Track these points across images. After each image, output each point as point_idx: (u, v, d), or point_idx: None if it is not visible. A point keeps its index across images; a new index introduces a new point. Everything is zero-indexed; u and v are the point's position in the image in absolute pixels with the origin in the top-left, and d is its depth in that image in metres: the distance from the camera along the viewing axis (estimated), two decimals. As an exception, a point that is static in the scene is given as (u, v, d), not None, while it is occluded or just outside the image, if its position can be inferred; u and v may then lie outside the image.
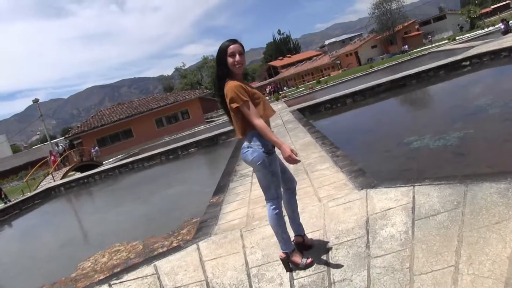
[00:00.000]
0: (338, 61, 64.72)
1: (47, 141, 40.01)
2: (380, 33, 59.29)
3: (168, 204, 8.91)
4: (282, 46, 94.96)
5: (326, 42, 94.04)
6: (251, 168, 3.24)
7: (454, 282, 2.26)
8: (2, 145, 61.98)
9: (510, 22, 28.83)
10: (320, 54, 79.84)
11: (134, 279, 3.68)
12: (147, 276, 3.67)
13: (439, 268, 2.41)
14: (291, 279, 2.89)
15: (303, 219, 3.40)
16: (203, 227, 4.58)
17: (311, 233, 3.39)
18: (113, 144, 35.29)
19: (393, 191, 3.66)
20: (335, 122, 13.64)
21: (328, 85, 33.27)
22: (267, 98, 29.16)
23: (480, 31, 42.02)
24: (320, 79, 50.91)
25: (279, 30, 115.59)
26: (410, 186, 3.61)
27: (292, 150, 2.68)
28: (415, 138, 6.86)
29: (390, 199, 3.52)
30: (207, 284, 3.22)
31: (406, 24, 59.32)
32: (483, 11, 71.77)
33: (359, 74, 34.22)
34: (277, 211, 2.90)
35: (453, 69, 14.35)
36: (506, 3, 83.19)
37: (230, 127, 16.49)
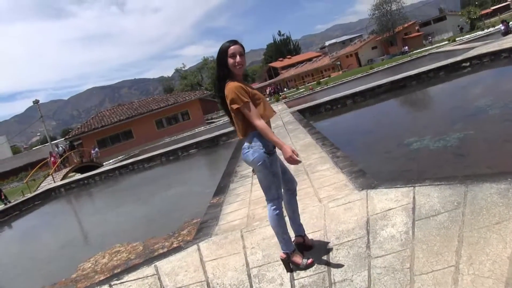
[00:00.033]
0: (338, 62, 64.76)
1: (47, 142, 40.03)
2: (380, 34, 59.33)
3: (169, 205, 8.91)
4: (282, 47, 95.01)
5: (326, 43, 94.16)
6: (251, 169, 3.24)
7: (454, 282, 2.26)
8: (2, 146, 62.02)
9: (510, 23, 28.86)
10: (320, 55, 79.91)
11: (134, 279, 3.68)
12: (147, 276, 3.67)
13: (440, 268, 2.41)
14: (292, 279, 2.89)
15: (303, 219, 3.40)
16: (203, 227, 4.59)
17: (312, 234, 3.39)
18: (113, 145, 35.32)
19: (394, 191, 3.66)
20: (335, 123, 13.65)
21: (328, 86, 33.28)
22: (267, 99, 29.14)
23: (480, 32, 42.08)
24: (320, 80, 50.96)
25: (279, 31, 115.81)
26: (410, 186, 3.62)
27: (293, 151, 2.69)
28: (415, 139, 6.86)
29: (390, 200, 3.52)
30: (208, 284, 3.22)
31: (406, 25, 59.36)
32: (483, 12, 71.85)
33: (359, 75, 34.24)
34: (277, 211, 2.91)
35: (453, 70, 14.36)
36: (506, 4, 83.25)
37: (231, 128, 16.52)
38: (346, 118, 13.98)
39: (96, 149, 30.43)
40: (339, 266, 2.84)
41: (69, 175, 24.47)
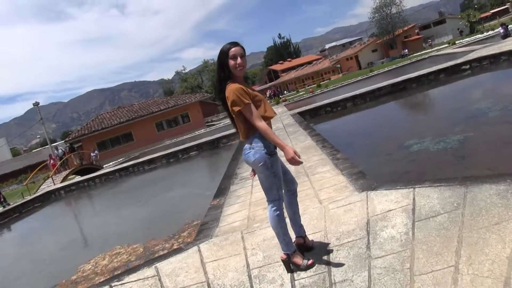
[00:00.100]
0: (339, 65, 64.83)
1: (47, 145, 40.05)
2: (380, 37, 59.38)
3: (169, 207, 8.92)
4: (282, 50, 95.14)
5: (327, 46, 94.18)
6: (250, 170, 3.26)
7: (454, 282, 2.28)
8: (2, 149, 62.01)
9: (510, 26, 28.95)
10: (320, 58, 79.97)
11: (135, 280, 3.69)
12: (148, 277, 3.68)
13: (439, 268, 2.42)
14: (292, 280, 2.90)
15: (304, 221, 3.41)
16: (204, 229, 4.60)
17: (312, 235, 3.40)
18: (114, 148, 35.33)
19: (394, 193, 3.68)
20: (335, 126, 13.68)
21: (329, 89, 33.34)
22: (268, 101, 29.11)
23: (479, 35, 42.19)
24: (321, 83, 50.99)
25: (279, 34, 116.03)
26: (410, 188, 3.63)
27: (295, 152, 2.70)
28: (415, 141, 6.89)
29: (390, 201, 3.54)
30: (208, 285, 3.23)
31: (406, 28, 59.40)
32: (483, 15, 72.02)
33: (359, 78, 34.29)
34: (278, 212, 2.92)
35: (453, 72, 14.41)
36: (505, 8, 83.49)
37: (231, 131, 16.54)
38: (346, 121, 14.01)
39: (96, 152, 30.44)
40: (339, 266, 2.85)
41: (69, 177, 24.47)
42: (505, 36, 25.26)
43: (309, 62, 78.29)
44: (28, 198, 18.70)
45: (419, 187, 3.58)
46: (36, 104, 33.10)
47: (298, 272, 2.95)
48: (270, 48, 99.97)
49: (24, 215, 16.00)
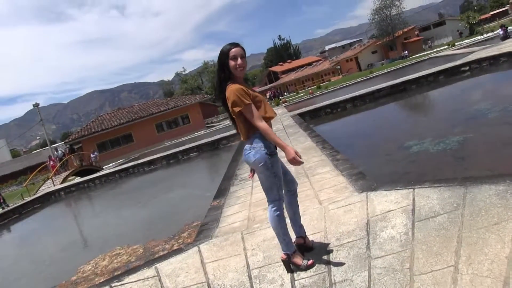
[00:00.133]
0: (338, 67, 64.90)
1: (47, 146, 40.03)
2: (380, 39, 59.46)
3: (169, 208, 8.93)
4: (282, 52, 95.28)
5: (326, 48, 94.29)
6: (249, 171, 3.27)
7: (453, 281, 2.28)
8: (2, 150, 61.97)
9: (509, 28, 28.99)
10: (320, 60, 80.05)
11: (135, 281, 3.70)
12: (148, 278, 3.68)
13: (439, 268, 2.43)
14: (292, 280, 2.91)
15: (304, 221, 3.42)
16: (204, 230, 4.61)
17: (312, 235, 3.41)
18: (113, 149, 35.31)
19: (394, 193, 3.69)
20: (335, 127, 13.69)
21: (329, 90, 33.37)
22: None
23: (479, 37, 42.25)
24: (321, 84, 51.05)
25: (279, 35, 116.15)
26: (410, 188, 3.64)
27: (296, 152, 2.71)
28: (415, 142, 6.90)
29: (390, 202, 3.55)
30: (208, 285, 3.24)
31: (406, 29, 59.48)
32: (482, 17, 72.17)
33: (359, 79, 34.32)
34: (278, 212, 2.92)
35: (453, 74, 14.44)
36: (505, 10, 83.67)
37: (231, 132, 16.56)
38: (346, 122, 14.02)
39: (96, 153, 30.46)
40: (339, 266, 2.86)
41: (69, 178, 24.46)
42: (505, 37, 25.31)
43: (309, 64, 78.38)
44: (28, 199, 18.69)
45: (419, 187, 3.59)
46: (36, 105, 33.06)
47: (298, 272, 2.95)
48: (270, 50, 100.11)
49: (24, 216, 15.99)
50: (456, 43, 42.53)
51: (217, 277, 3.30)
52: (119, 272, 4.88)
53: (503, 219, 2.63)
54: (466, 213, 2.87)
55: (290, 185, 3.13)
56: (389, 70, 33.80)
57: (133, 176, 17.21)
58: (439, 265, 2.46)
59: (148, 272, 3.79)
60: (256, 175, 3.05)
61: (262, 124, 2.75)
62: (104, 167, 27.00)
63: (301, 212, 3.29)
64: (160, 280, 3.58)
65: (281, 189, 2.96)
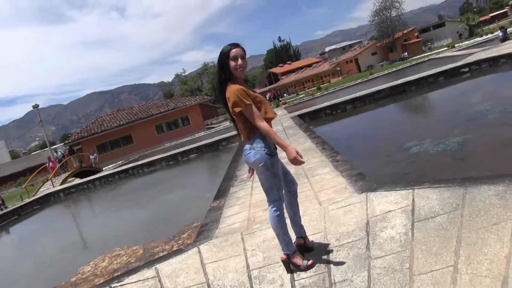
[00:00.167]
0: (338, 68, 64.96)
1: (47, 147, 40.00)
2: (380, 40, 59.53)
3: (169, 209, 8.93)
4: (282, 53, 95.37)
5: (326, 49, 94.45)
6: (247, 171, 3.27)
7: (453, 281, 2.29)
8: (1, 151, 61.95)
9: (508, 29, 29.04)
10: (320, 61, 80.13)
11: (135, 281, 3.70)
12: (148, 278, 3.69)
13: (438, 268, 2.44)
14: (292, 280, 2.91)
15: (303, 222, 3.42)
16: (204, 230, 4.61)
17: (312, 236, 3.42)
18: (113, 150, 35.32)
19: (393, 194, 3.70)
20: (335, 128, 13.70)
21: (328, 92, 33.39)
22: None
23: (478, 39, 42.27)
24: (321, 85, 51.09)
25: (279, 37, 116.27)
26: (409, 189, 3.65)
27: (297, 152, 2.72)
28: (415, 143, 6.90)
29: (390, 202, 3.55)
30: (208, 286, 3.24)
31: (405, 31, 59.55)
32: (482, 18, 72.25)
33: (359, 81, 34.36)
34: (278, 212, 2.93)
35: (453, 75, 14.45)
36: (504, 11, 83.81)
37: (231, 133, 16.57)
38: (346, 123, 14.03)
39: (95, 154, 30.44)
40: (339, 267, 2.86)
41: (69, 180, 24.45)
42: (504, 39, 25.34)
43: (309, 65, 78.46)
44: (27, 200, 18.67)
45: (419, 188, 3.60)
46: (35, 106, 33.06)
47: (298, 272, 2.96)
48: (270, 51, 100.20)
49: (23, 218, 15.97)
50: (455, 45, 42.56)
51: (217, 278, 3.30)
52: (119, 273, 4.88)
53: (502, 219, 2.64)
54: (466, 214, 2.88)
55: (290, 185, 3.14)
56: (389, 72, 33.83)
57: (132, 178, 17.20)
58: (439, 265, 2.46)
59: (148, 272, 3.79)
60: (255, 175, 3.05)
61: (263, 124, 2.75)
62: (103, 168, 26.99)
63: (301, 213, 3.29)
64: (160, 280, 3.58)
65: (281, 190, 2.97)
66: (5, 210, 17.42)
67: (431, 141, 6.70)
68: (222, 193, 6.39)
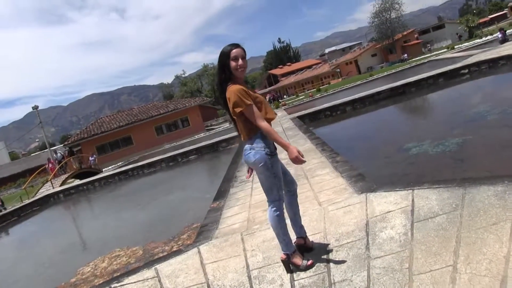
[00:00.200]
0: (338, 70, 65.05)
1: (46, 149, 39.97)
2: (380, 42, 59.62)
3: (168, 210, 8.93)
4: (282, 55, 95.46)
5: (326, 51, 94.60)
6: (245, 171, 3.28)
7: (452, 280, 2.30)
8: (0, 152, 61.97)
9: (508, 31, 29.09)
10: (320, 63, 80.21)
11: (135, 282, 3.71)
12: (148, 279, 3.69)
13: (438, 268, 2.44)
14: (292, 280, 2.92)
15: (303, 222, 3.42)
16: (203, 231, 4.62)
17: (312, 236, 3.42)
18: (113, 152, 35.33)
19: (393, 194, 3.70)
20: (335, 129, 13.70)
21: (328, 93, 33.39)
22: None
23: (478, 40, 42.36)
24: (320, 87, 51.13)
25: (279, 38, 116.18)
26: (409, 190, 3.66)
27: (298, 151, 2.73)
28: (414, 144, 6.91)
29: (389, 203, 3.56)
30: (208, 286, 3.24)
31: (405, 33, 59.61)
32: (481, 20, 72.43)
33: (359, 82, 34.38)
34: (278, 212, 2.93)
35: (452, 77, 14.47)
36: (504, 13, 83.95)
37: (230, 135, 16.57)
38: (346, 125, 14.04)
39: (94, 156, 30.42)
40: (338, 267, 2.87)
41: (68, 181, 24.44)
42: (503, 41, 25.39)
43: (309, 67, 78.52)
44: (27, 201, 18.65)
45: (418, 189, 3.61)
46: (35, 107, 33.03)
47: (298, 272, 2.96)
48: (269, 53, 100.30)
49: (23, 219, 15.95)
50: (455, 46, 42.65)
51: (217, 278, 3.31)
52: (118, 274, 4.88)
53: (501, 219, 2.65)
54: (465, 214, 2.89)
55: (290, 185, 3.14)
56: (388, 73, 33.86)
57: (132, 179, 17.19)
58: (438, 265, 2.47)
59: (148, 273, 3.80)
60: (254, 176, 3.06)
61: (264, 124, 2.76)
62: (103, 169, 26.98)
63: (301, 213, 3.30)
64: (159, 281, 3.58)
65: (281, 190, 2.97)
66: (4, 212, 17.38)
67: (431, 142, 6.72)
68: (222, 194, 6.39)
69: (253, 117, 2.76)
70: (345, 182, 4.67)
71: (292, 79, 73.78)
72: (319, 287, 2.74)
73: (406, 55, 54.59)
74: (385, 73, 34.97)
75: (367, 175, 4.77)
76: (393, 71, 34.96)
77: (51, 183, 22.45)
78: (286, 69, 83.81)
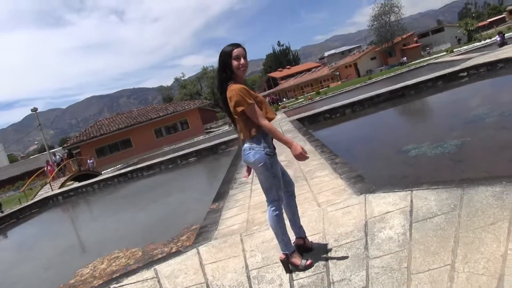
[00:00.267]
0: (338, 73, 65.11)
1: (45, 151, 39.92)
2: (379, 45, 59.69)
3: (168, 212, 8.93)
4: (281, 58, 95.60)
5: (326, 54, 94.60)
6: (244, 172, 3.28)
7: (450, 279, 2.31)
8: (-1, 155, 61.86)
9: (506, 35, 29.20)
10: (319, 66, 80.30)
11: (134, 282, 3.71)
12: (147, 279, 3.69)
13: (436, 267, 2.45)
14: (291, 280, 2.92)
15: (302, 223, 3.43)
16: (203, 232, 4.62)
17: (311, 237, 3.43)
18: (112, 154, 35.27)
19: (392, 195, 3.72)
20: (334, 132, 13.73)
21: (328, 96, 33.45)
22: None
23: (477, 43, 42.47)
24: (320, 90, 51.19)
25: (278, 41, 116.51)
26: (408, 190, 3.67)
27: (302, 148, 2.74)
28: (413, 146, 6.94)
29: (388, 203, 3.57)
30: (208, 286, 3.25)
31: (404, 36, 59.73)
32: (480, 24, 72.69)
33: (358, 85, 34.42)
34: (277, 212, 2.94)
35: (451, 79, 14.53)
36: (502, 17, 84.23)
37: (230, 137, 16.60)
38: (345, 127, 14.07)
39: (92, 159, 30.33)
40: (337, 266, 2.87)
41: (67, 183, 24.41)
42: (502, 44, 25.51)
43: (308, 70, 78.63)
44: (26, 204, 18.62)
45: (417, 189, 3.62)
46: (34, 110, 32.99)
47: (297, 272, 2.97)
48: (269, 56, 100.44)
49: (22, 221, 15.93)
50: (454, 50, 42.74)
51: (216, 278, 3.31)
52: (117, 275, 4.88)
53: (499, 219, 2.67)
54: (463, 214, 2.90)
55: (288, 186, 3.15)
56: (388, 76, 33.93)
57: (131, 181, 17.19)
58: (436, 264, 2.48)
59: (147, 273, 3.80)
60: (252, 176, 3.06)
61: (266, 123, 2.76)
62: (102, 172, 26.95)
63: (299, 214, 3.31)
64: (159, 281, 3.59)
65: (280, 190, 2.98)
66: (1, 215, 17.31)
67: (430, 144, 6.74)
68: (221, 195, 6.40)
69: (255, 116, 2.76)
70: (344, 183, 4.68)
71: (291, 82, 73.90)
72: (318, 286, 2.75)
73: (405, 58, 54.67)
74: (384, 76, 35.02)
75: (366, 177, 4.78)
76: (392, 74, 35.05)
77: (50, 186, 22.43)
78: (286, 72, 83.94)
